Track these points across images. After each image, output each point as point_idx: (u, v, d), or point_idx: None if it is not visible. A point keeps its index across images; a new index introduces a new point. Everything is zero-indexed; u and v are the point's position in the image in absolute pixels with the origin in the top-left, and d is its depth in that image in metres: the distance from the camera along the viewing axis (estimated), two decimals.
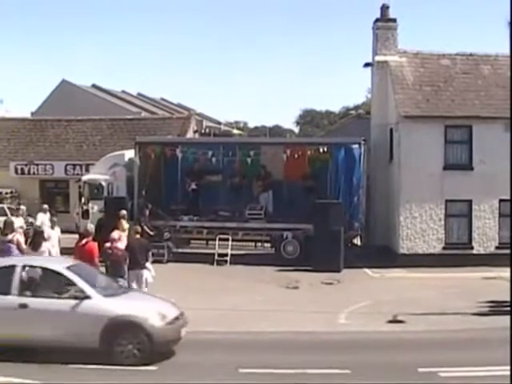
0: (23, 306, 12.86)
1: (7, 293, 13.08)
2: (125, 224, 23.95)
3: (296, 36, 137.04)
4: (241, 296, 20.08)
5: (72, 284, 13.19)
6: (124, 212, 23.94)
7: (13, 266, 13.49)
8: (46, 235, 21.74)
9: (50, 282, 13.51)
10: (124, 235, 23.79)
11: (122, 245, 17.40)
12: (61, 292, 13.26)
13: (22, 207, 29.29)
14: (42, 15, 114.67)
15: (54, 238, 21.34)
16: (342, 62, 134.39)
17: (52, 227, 22.18)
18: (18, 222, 21.94)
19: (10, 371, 11.78)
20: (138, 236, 18.95)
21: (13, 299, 12.96)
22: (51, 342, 12.62)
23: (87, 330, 12.62)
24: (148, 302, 13.80)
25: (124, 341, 12.62)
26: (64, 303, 12.94)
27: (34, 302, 12.94)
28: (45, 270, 13.65)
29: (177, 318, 13.36)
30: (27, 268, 13.53)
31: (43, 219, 23.57)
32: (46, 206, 25.13)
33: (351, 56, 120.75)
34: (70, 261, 14.84)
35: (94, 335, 12.55)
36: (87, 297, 12.94)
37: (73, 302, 12.92)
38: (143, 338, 12.65)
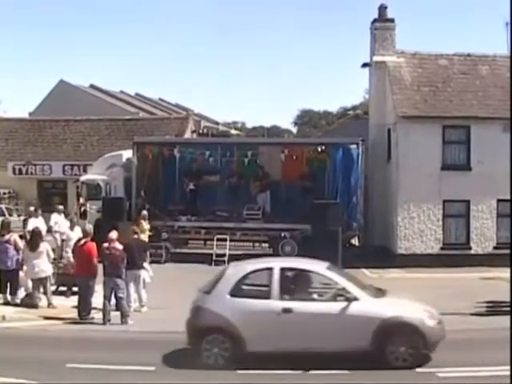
0: (287, 310, 12.30)
1: (267, 297, 12.57)
2: (145, 225, 24.12)
3: (294, 37, 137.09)
4: None
5: (334, 285, 12.69)
6: (145, 213, 24.15)
7: (270, 269, 12.87)
8: (65, 237, 21.74)
9: (311, 284, 13.01)
10: (144, 236, 23.97)
11: (119, 245, 17.34)
12: (324, 294, 12.80)
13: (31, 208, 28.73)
14: (40, 15, 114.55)
15: (74, 240, 21.10)
16: (339, 63, 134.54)
17: (71, 228, 22.02)
18: (38, 222, 21.87)
19: (11, 372, 11.74)
20: (135, 236, 18.96)
21: (275, 304, 12.41)
22: (319, 348, 12.15)
23: (358, 333, 12.12)
24: (412, 302, 13.08)
25: (396, 343, 12.12)
26: (332, 306, 12.41)
27: (298, 305, 12.39)
28: (305, 271, 13.12)
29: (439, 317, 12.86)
30: (286, 270, 12.94)
31: (57, 220, 23.36)
32: (60, 207, 24.81)
33: (349, 56, 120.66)
34: (325, 262, 14.10)
35: (365, 338, 12.05)
36: (355, 298, 12.40)
37: (341, 304, 12.36)
38: (417, 340, 12.13)
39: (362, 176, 26.99)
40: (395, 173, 26.79)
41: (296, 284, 12.93)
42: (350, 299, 12.38)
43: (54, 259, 19.91)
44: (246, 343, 12.34)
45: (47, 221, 23.35)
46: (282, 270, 12.84)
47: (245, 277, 12.97)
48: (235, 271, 13.26)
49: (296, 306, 12.39)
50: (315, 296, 12.83)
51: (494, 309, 17.56)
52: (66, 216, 24.31)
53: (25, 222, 23.01)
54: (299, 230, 26.39)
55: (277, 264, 13.20)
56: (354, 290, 12.55)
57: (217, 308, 12.60)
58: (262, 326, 12.38)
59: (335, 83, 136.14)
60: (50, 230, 22.73)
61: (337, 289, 12.64)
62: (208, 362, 12.38)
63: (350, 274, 13.69)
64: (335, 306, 12.39)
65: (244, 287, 12.88)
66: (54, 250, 21.11)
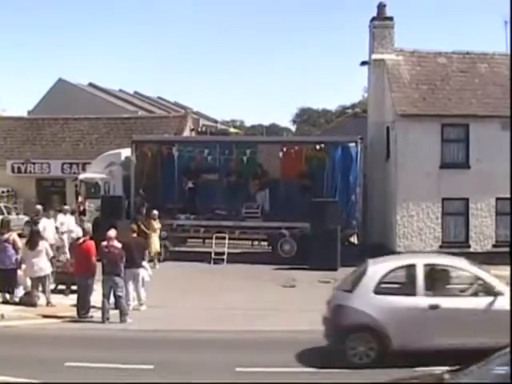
0: (434, 306, 12.25)
1: (413, 294, 12.51)
2: (155, 224, 24.13)
3: (293, 34, 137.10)
4: (238, 295, 20.08)
5: (477, 280, 12.60)
6: (156, 212, 24.26)
7: (412, 265, 12.83)
8: (74, 235, 21.77)
9: (453, 280, 12.94)
10: (155, 235, 24.01)
11: (118, 243, 17.32)
12: (467, 289, 12.72)
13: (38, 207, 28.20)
14: (39, 13, 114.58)
15: None
16: (338, 61, 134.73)
17: (80, 225, 22.07)
18: (50, 223, 21.82)
19: (9, 370, 11.72)
20: (134, 235, 18.95)
21: (421, 300, 12.37)
22: (466, 344, 11.95)
23: (507, 328, 11.73)
24: None
25: None
26: (478, 301, 12.36)
27: (444, 301, 12.31)
28: (447, 267, 13.07)
29: None
30: (428, 266, 12.83)
31: (63, 220, 23.33)
32: (66, 207, 24.77)
33: (348, 54, 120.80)
34: (463, 258, 14.03)
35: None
36: (500, 293, 12.32)
37: (488, 299, 12.30)
38: None
39: (361, 174, 26.97)
40: (394, 171, 26.78)
41: (439, 280, 12.86)
42: (496, 294, 12.35)
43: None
44: (392, 341, 12.29)
45: (55, 221, 23.34)
46: (426, 266, 12.79)
47: (387, 274, 12.90)
48: (377, 269, 13.12)
49: (442, 302, 12.34)
50: (459, 291, 12.80)
51: None
52: (73, 213, 24.36)
53: (32, 219, 22.84)
54: (298, 228, 26.36)
55: (419, 260, 13.16)
56: (498, 284, 12.52)
57: (362, 306, 12.53)
58: (408, 323, 12.32)
59: (334, 81, 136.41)
60: (57, 231, 22.76)
61: (479, 284, 12.62)
62: (353, 360, 12.36)
63: (488, 270, 13.57)
64: (482, 301, 12.35)
65: (387, 285, 12.83)
66: (58, 248, 21.22)
